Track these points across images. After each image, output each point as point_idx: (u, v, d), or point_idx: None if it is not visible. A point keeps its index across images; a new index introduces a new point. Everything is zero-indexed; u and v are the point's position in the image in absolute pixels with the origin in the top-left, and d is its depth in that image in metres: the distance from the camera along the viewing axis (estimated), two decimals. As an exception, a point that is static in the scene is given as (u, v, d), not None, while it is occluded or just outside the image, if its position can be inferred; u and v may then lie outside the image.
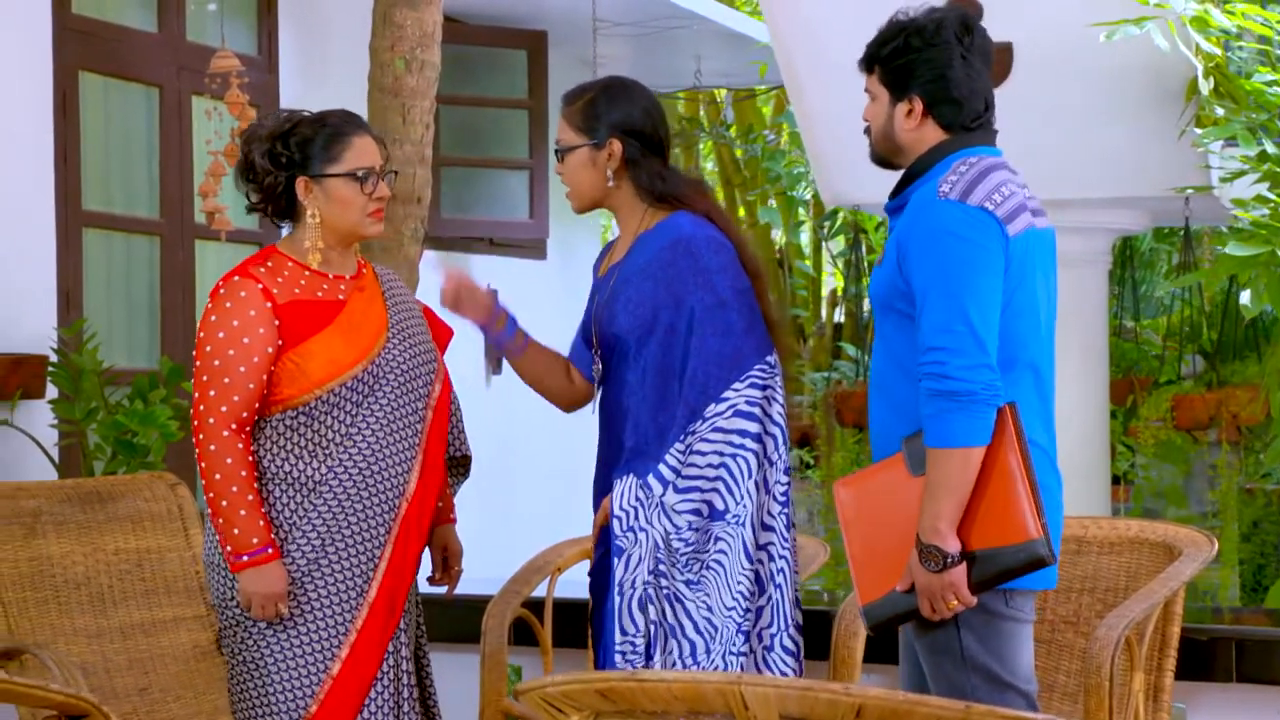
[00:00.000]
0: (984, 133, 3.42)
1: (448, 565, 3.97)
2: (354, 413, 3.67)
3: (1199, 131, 6.13)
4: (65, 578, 4.76)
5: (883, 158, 3.49)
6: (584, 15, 8.61)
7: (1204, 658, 4.29)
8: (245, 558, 3.58)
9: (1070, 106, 6.61)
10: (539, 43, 8.80)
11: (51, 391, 5.76)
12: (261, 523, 3.59)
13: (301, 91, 7.33)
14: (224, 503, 3.58)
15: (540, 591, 4.40)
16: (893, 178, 3.53)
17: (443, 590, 4.03)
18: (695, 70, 10.07)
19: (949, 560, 3.21)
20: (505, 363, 9.63)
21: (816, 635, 4.12)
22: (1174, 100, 6.46)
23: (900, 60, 3.39)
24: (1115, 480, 8.61)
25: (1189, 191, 6.39)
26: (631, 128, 3.79)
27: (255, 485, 3.61)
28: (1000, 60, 6.54)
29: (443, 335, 3.97)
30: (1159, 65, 6.31)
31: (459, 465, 4.08)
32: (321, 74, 7.39)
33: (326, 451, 3.65)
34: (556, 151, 3.84)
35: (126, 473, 5.43)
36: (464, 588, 4.93)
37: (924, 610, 3.27)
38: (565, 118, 3.83)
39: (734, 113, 12.59)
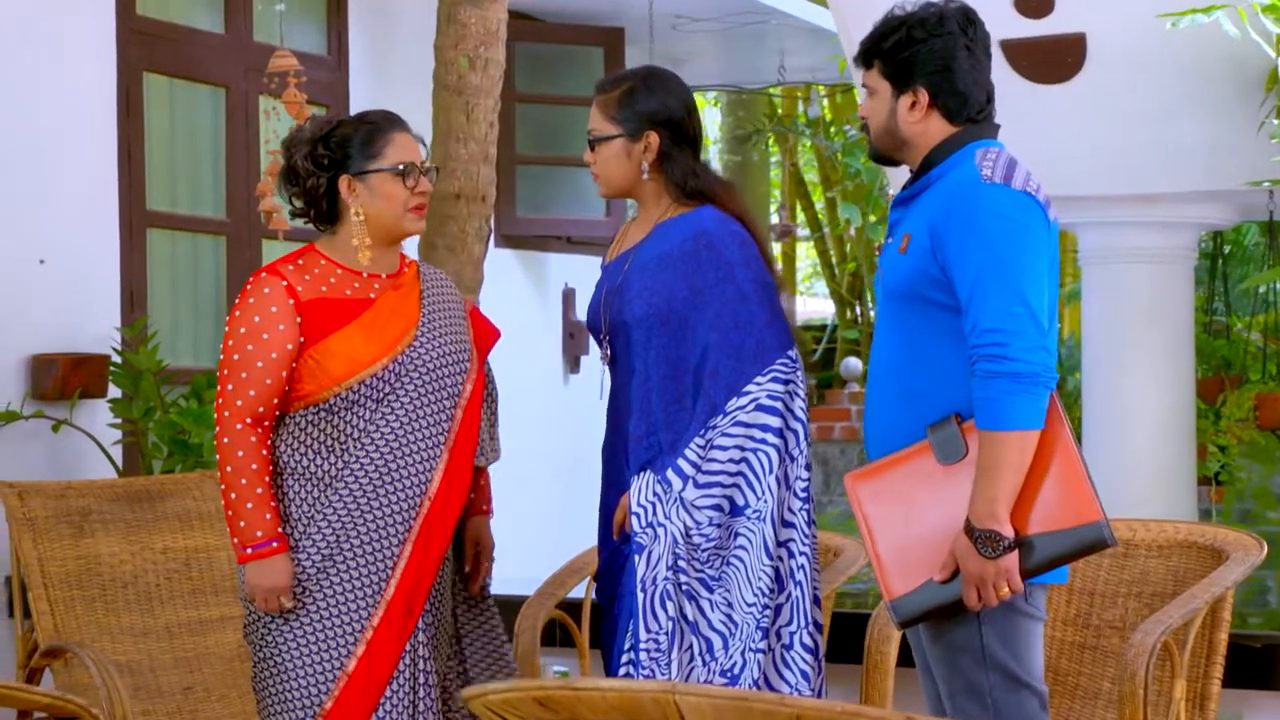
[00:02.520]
0: (990, 125, 3.38)
1: (478, 560, 3.90)
2: (374, 409, 3.64)
3: (1278, 123, 5.97)
4: (113, 576, 4.79)
5: (883, 154, 3.44)
6: (662, 12, 8.55)
7: (1259, 665, 4.16)
8: (249, 550, 3.58)
9: (1148, 99, 6.46)
10: (616, 40, 8.76)
11: (114, 391, 5.80)
12: (268, 516, 3.58)
13: (371, 90, 7.35)
14: (233, 495, 3.59)
15: (578, 593, 4.35)
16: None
17: (485, 584, 3.96)
18: (779, 65, 9.98)
19: (1006, 545, 3.16)
20: (583, 361, 9.60)
21: (850, 638, 4.04)
22: (1255, 91, 6.30)
23: (904, 52, 3.34)
24: (1207, 481, 8.44)
25: (1265, 184, 6.22)
26: (669, 119, 3.74)
27: (268, 479, 3.61)
28: (1072, 52, 6.42)
29: (487, 337, 3.91)
30: (1239, 55, 6.15)
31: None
32: (391, 73, 7.40)
33: (344, 447, 3.64)
34: (589, 141, 3.79)
35: (183, 471, 5.46)
36: (505, 587, 4.90)
37: (969, 600, 3.20)
38: (599, 107, 3.77)
39: (824, 108, 12.47)
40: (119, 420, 5.72)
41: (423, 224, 3.74)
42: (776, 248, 15.18)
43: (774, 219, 12.72)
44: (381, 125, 3.70)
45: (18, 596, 4.72)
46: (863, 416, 3.53)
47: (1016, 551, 3.19)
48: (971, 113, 3.35)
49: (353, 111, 7.26)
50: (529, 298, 8.72)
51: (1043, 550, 3.21)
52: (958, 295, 3.25)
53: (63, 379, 5.63)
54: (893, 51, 3.35)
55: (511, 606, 4.38)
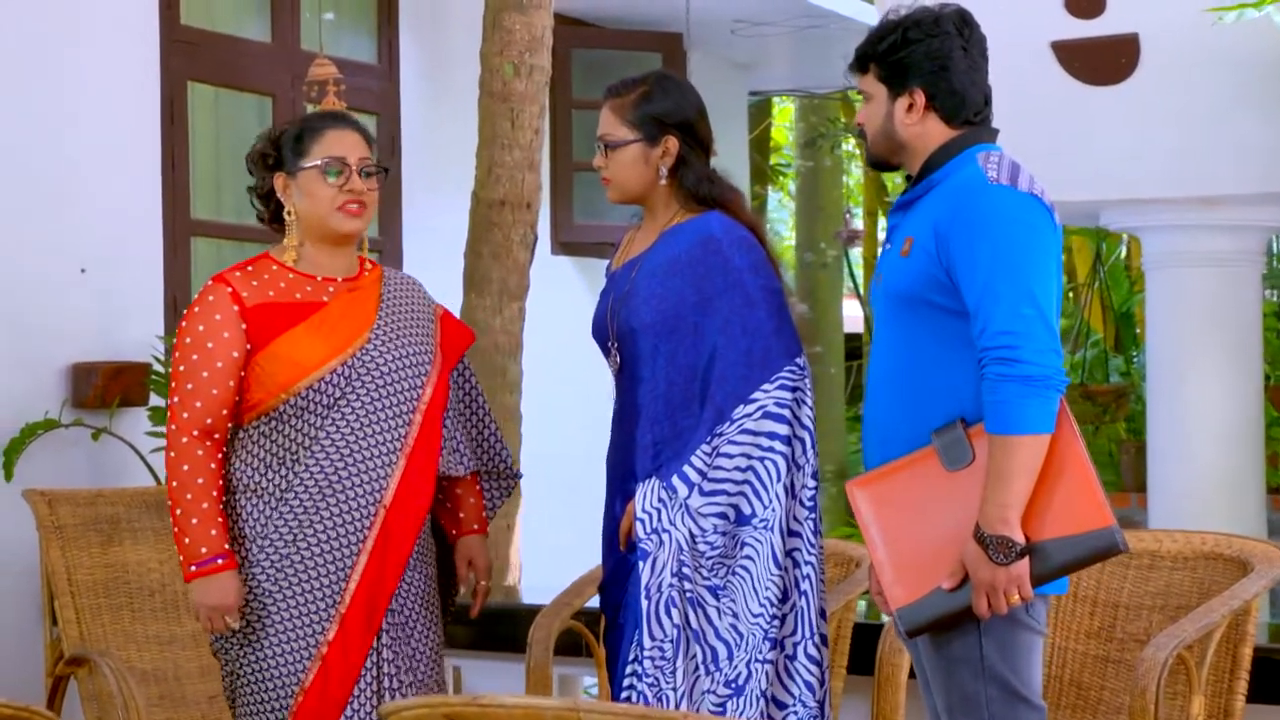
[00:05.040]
0: (988, 129, 3.32)
1: (475, 581, 3.82)
2: (325, 416, 3.56)
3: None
4: (140, 584, 4.81)
5: (880, 159, 3.40)
6: (721, 17, 8.50)
7: (1289, 680, 4.03)
8: (194, 568, 3.52)
9: (1204, 99, 6.34)
10: (674, 45, 8.71)
11: (155, 400, 5.82)
12: (214, 532, 3.51)
13: (422, 98, 7.35)
14: (178, 510, 3.53)
15: (595, 603, 4.30)
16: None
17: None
18: (844, 70, 9.87)
19: (1018, 551, 3.10)
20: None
21: (865, 650, 3.98)
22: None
23: (899, 54, 3.30)
24: (1279, 491, 8.27)
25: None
26: (684, 122, 3.70)
27: (215, 494, 3.53)
28: (1126, 53, 6.31)
29: (459, 340, 3.83)
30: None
31: (501, 479, 3.93)
32: (441, 81, 7.40)
33: (295, 457, 3.55)
34: (606, 145, 3.72)
35: (218, 480, 5.46)
36: (528, 597, 4.87)
37: (979, 608, 3.14)
38: (614, 111, 3.73)
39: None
40: (158, 428, 5.73)
41: (357, 224, 3.63)
42: (856, 253, 15.06)
43: (856, 225, 12.63)
44: (315, 123, 3.67)
45: (46, 603, 4.74)
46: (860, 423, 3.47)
47: (1028, 558, 3.12)
48: (969, 114, 3.30)
49: (404, 121, 7.30)
50: (587, 304, 8.65)
51: (1054, 556, 3.15)
52: (965, 298, 3.20)
53: (102, 387, 5.65)
54: (887, 53, 3.32)
55: (527, 617, 4.34)
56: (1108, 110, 6.44)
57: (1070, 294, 11.35)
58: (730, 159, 9.47)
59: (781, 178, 17.01)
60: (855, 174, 16.61)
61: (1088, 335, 10.26)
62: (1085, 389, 8.99)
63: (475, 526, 3.83)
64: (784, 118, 16.89)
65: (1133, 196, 6.73)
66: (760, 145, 14.59)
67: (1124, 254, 11.70)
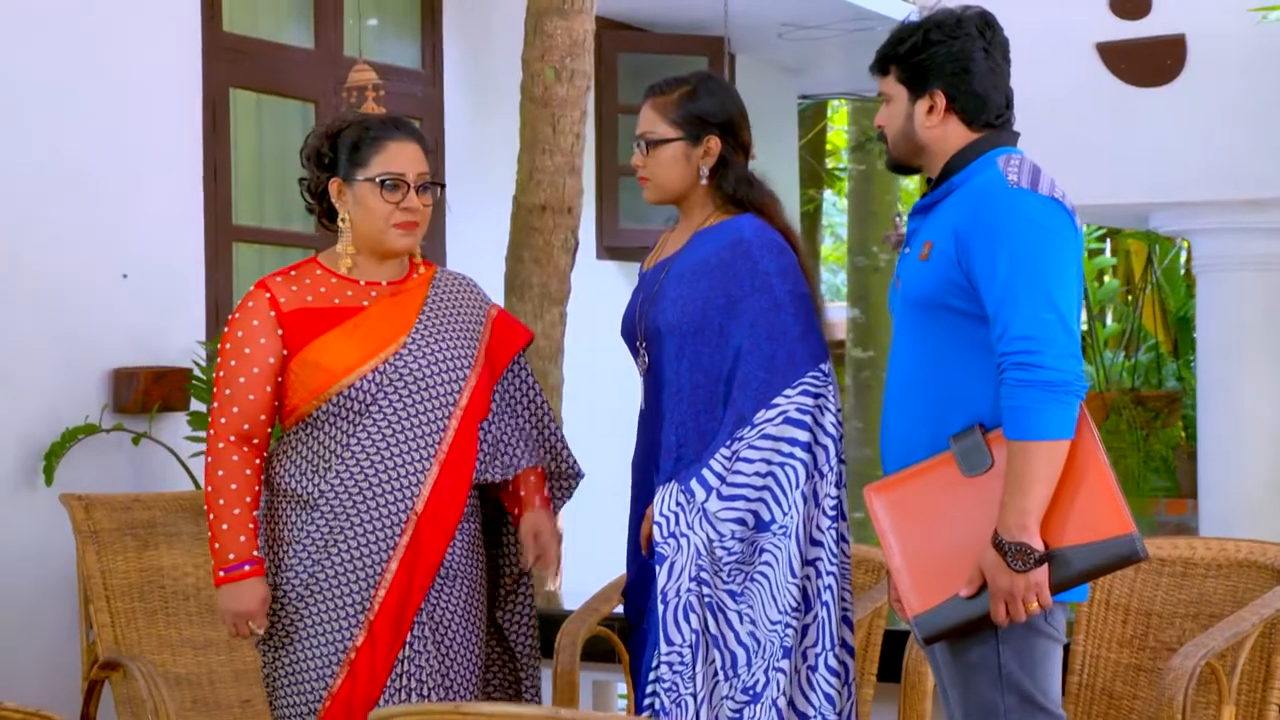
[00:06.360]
0: (1010, 132, 3.29)
1: (544, 550, 3.69)
2: (356, 421, 3.54)
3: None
4: (175, 589, 4.83)
5: (900, 161, 3.38)
6: (768, 20, 8.46)
7: (1326, 690, 3.96)
8: (222, 573, 3.53)
9: (1252, 101, 6.26)
10: (718, 49, 8.68)
11: (196, 405, 5.84)
12: (243, 538, 3.52)
13: (466, 103, 7.36)
14: (211, 516, 3.54)
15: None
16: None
17: (553, 585, 3.85)
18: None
19: (1037, 558, 3.07)
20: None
21: (894, 657, 3.94)
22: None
23: (920, 55, 3.28)
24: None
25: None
26: (726, 122, 3.68)
27: (248, 500, 3.54)
28: (1173, 54, 6.24)
29: (513, 341, 3.78)
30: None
31: (563, 479, 3.85)
32: (485, 86, 7.40)
33: (327, 464, 3.54)
34: (647, 143, 3.70)
35: (257, 485, 5.47)
36: (569, 603, 4.85)
37: (997, 616, 3.12)
38: (657, 109, 3.70)
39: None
40: (198, 434, 5.75)
41: (411, 240, 3.60)
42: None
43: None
44: (379, 132, 3.60)
45: (82, 608, 4.77)
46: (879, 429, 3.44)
47: (1047, 565, 3.09)
48: (990, 117, 3.28)
49: (447, 126, 7.31)
50: (634, 309, 8.66)
51: (1074, 563, 3.12)
52: (984, 302, 3.17)
53: (143, 392, 5.67)
54: (908, 55, 3.29)
55: (558, 622, 4.32)
56: (1155, 112, 6.38)
57: (1127, 297, 11.25)
58: (779, 163, 9.44)
59: (839, 181, 16.94)
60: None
61: (1142, 339, 10.15)
62: (1137, 394, 8.90)
63: (537, 502, 3.73)
64: (841, 120, 16.84)
65: (1181, 199, 6.67)
66: (816, 149, 14.53)
67: (1183, 258, 11.58)
